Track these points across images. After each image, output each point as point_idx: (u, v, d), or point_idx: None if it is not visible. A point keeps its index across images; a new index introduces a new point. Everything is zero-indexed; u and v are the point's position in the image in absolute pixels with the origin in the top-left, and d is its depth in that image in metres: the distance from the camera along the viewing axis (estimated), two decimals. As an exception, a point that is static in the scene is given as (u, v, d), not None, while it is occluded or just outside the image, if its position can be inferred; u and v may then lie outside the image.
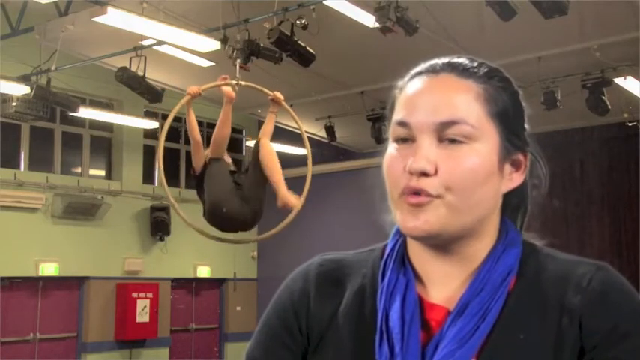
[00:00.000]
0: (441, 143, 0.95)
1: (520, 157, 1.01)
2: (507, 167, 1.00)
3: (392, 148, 0.99)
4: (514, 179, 1.01)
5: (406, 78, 1.02)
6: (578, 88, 8.72)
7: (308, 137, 12.07)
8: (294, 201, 5.49)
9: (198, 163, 5.54)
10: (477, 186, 0.95)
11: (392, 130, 0.99)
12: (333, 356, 1.02)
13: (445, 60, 1.01)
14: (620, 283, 0.97)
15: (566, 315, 0.94)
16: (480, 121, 0.96)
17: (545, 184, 1.07)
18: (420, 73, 1.01)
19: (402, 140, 0.98)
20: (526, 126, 1.03)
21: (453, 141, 0.95)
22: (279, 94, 5.78)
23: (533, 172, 1.05)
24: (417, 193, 0.95)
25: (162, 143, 5.53)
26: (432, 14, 7.33)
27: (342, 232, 12.04)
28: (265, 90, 5.78)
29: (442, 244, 0.99)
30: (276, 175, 5.56)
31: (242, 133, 13.94)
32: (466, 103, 0.96)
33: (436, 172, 0.94)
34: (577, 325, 0.94)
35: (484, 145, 0.96)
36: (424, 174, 0.94)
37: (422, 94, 0.98)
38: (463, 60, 1.01)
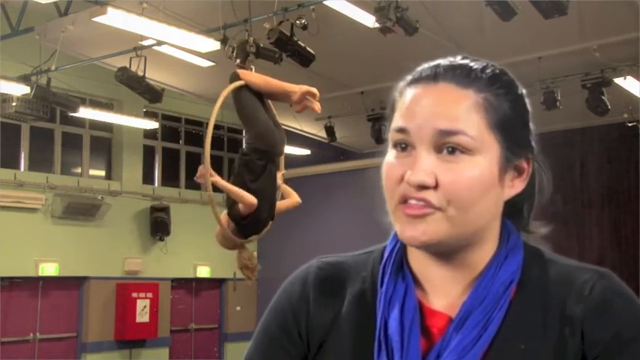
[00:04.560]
0: (439, 153, 0.93)
1: (523, 163, 0.99)
2: (509, 174, 0.98)
3: (391, 155, 0.97)
4: (516, 185, 0.99)
5: (406, 80, 1.00)
6: (578, 88, 8.71)
7: (308, 137, 12.13)
8: (312, 89, 5.03)
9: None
10: (478, 199, 0.93)
11: (391, 136, 0.98)
12: None
13: (446, 63, 0.98)
14: (622, 291, 0.96)
15: (568, 324, 0.94)
16: (480, 132, 0.94)
17: (549, 190, 1.05)
18: (419, 80, 0.98)
19: (400, 147, 0.96)
20: (531, 128, 1.01)
21: (452, 151, 0.93)
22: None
23: (536, 175, 1.03)
24: (417, 201, 0.93)
25: (208, 149, 5.08)
26: (432, 14, 7.33)
27: (343, 232, 12.04)
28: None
29: (442, 252, 0.97)
30: (277, 83, 5.20)
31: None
32: (465, 114, 0.94)
33: (436, 185, 0.92)
34: (579, 335, 0.93)
35: (484, 157, 0.94)
36: (423, 186, 0.92)
37: (421, 103, 0.95)
38: (466, 63, 0.98)
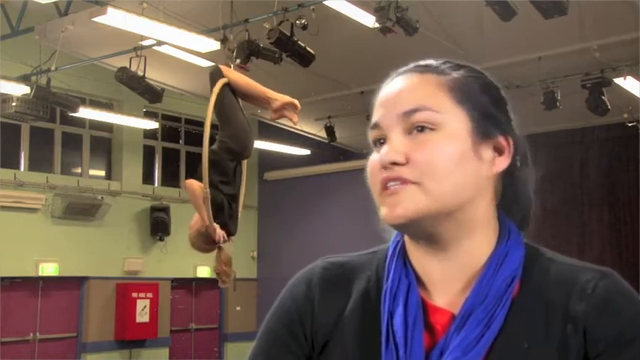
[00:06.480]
0: (409, 134, 0.98)
1: (502, 141, 1.01)
2: (488, 152, 1.00)
3: (373, 153, 1.02)
4: (497, 163, 1.01)
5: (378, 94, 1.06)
6: (578, 88, 8.71)
7: (308, 137, 12.13)
8: (287, 98, 4.88)
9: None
10: (451, 168, 0.96)
11: (370, 136, 1.04)
12: None
13: (411, 65, 1.05)
14: (625, 290, 0.97)
15: (571, 323, 0.94)
16: (445, 106, 0.98)
17: (531, 166, 1.06)
18: (386, 82, 1.05)
19: (378, 143, 1.01)
20: (511, 115, 1.04)
21: (421, 130, 0.97)
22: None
23: (523, 163, 1.04)
24: (394, 181, 0.96)
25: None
26: (431, 14, 7.33)
27: (342, 232, 12.04)
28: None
29: (429, 235, 0.98)
30: (258, 87, 5.02)
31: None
32: (427, 92, 0.99)
33: (408, 161, 0.96)
34: (581, 333, 0.93)
35: (453, 129, 0.97)
36: (395, 164, 0.96)
37: (387, 95, 1.02)
38: (428, 61, 1.05)
